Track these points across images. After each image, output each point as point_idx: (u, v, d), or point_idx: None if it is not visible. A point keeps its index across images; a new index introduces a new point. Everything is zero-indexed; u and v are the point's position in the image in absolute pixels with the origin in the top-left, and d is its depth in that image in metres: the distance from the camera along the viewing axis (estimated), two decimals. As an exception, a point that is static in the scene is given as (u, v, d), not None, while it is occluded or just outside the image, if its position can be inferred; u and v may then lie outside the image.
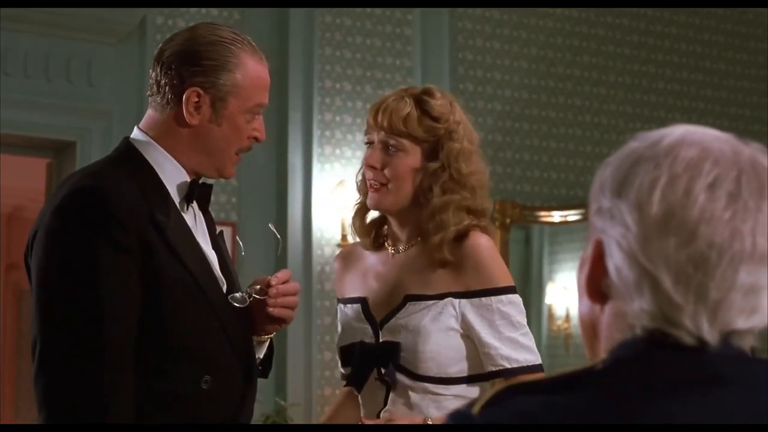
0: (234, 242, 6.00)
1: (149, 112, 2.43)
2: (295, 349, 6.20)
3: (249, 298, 2.39)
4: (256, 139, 2.43)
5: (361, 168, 2.81)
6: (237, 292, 2.39)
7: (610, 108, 7.40)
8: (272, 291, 2.42)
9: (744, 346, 1.19)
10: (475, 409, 1.16)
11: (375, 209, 2.78)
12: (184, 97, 2.35)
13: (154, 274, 2.25)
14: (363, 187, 2.81)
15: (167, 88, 2.37)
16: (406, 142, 2.71)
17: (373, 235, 2.84)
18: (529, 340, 2.68)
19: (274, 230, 2.76)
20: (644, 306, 1.17)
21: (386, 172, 2.71)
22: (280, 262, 6.20)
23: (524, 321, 2.69)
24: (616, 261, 1.19)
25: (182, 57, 2.36)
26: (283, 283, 2.45)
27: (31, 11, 5.83)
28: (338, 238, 6.31)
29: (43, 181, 6.38)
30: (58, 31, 5.93)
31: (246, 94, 2.38)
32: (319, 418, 6.21)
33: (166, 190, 2.37)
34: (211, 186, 2.46)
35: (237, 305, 2.37)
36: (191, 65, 2.35)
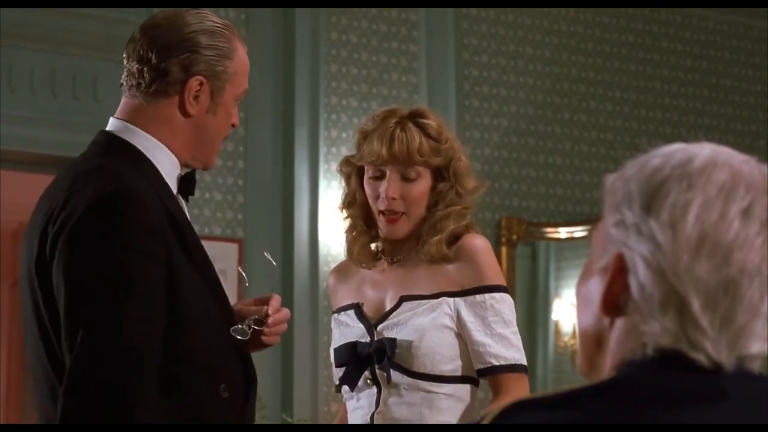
0: (241, 257, 5.99)
1: (129, 102, 2.32)
2: (302, 366, 6.19)
3: (249, 329, 2.36)
4: (233, 125, 2.38)
5: (346, 199, 2.90)
6: (237, 324, 2.36)
7: (616, 124, 7.39)
8: (270, 321, 2.40)
9: (753, 368, 1.19)
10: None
11: (392, 238, 2.84)
12: (186, 86, 2.27)
13: (173, 282, 2.20)
14: (360, 214, 2.88)
15: (167, 76, 2.27)
16: (421, 170, 2.81)
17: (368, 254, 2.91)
18: (518, 340, 2.76)
19: (269, 258, 2.79)
20: (667, 326, 1.16)
21: (404, 200, 2.80)
22: (286, 279, 6.20)
23: (515, 321, 2.77)
24: (641, 278, 1.18)
25: (183, 44, 2.28)
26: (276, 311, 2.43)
27: (36, 27, 5.84)
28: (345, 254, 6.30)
29: (50, 197, 6.37)
30: (64, 47, 5.94)
31: (239, 81, 2.34)
32: (325, 434, 6.20)
33: (168, 185, 2.30)
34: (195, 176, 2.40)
35: (240, 338, 2.34)
36: (194, 53, 2.27)
